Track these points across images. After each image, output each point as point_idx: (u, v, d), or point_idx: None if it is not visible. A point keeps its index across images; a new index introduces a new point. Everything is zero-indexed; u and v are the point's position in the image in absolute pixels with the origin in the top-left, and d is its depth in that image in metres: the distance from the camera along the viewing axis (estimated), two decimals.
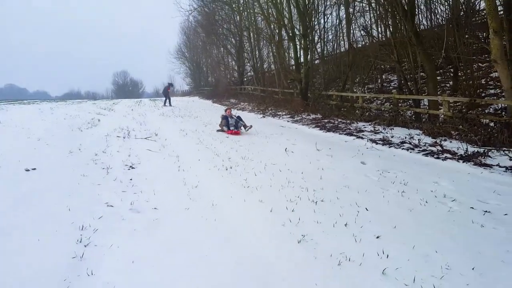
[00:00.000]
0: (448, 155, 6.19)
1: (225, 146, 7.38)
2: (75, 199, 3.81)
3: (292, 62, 21.60)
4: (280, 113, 14.01)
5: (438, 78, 13.43)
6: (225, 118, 9.34)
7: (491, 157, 5.83)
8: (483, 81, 12.62)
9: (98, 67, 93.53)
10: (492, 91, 11.90)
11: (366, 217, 3.52)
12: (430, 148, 6.82)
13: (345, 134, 8.78)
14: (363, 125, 9.73)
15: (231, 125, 9.21)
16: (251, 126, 9.32)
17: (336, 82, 18.02)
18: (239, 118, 9.41)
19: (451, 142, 7.06)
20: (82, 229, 3.12)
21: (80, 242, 2.91)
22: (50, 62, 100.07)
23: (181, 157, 6.16)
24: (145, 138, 8.14)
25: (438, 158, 6.14)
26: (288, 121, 11.88)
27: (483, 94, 11.52)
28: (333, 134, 8.99)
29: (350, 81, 14.94)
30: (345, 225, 3.31)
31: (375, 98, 14.12)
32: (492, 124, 7.77)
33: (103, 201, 3.80)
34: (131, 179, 4.69)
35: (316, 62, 20.34)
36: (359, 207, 3.78)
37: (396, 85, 17.22)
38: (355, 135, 8.53)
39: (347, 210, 3.69)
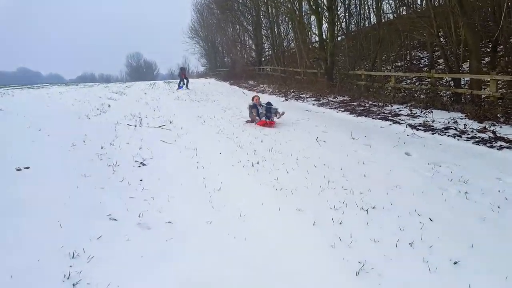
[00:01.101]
0: (504, 144, 5.29)
1: (248, 135, 6.67)
2: (70, 210, 3.15)
3: (314, 39, 20.44)
4: (304, 95, 13.11)
5: None
6: (254, 107, 7.90)
7: None
8: None
9: (111, 48, 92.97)
10: None
11: (433, 230, 2.78)
12: (479, 134, 5.91)
13: (379, 119, 7.91)
14: (398, 108, 8.80)
15: (261, 115, 7.76)
16: (283, 113, 7.82)
17: (361, 60, 16.85)
18: (269, 104, 7.99)
19: (501, 127, 6.12)
20: (73, 257, 2.45)
21: (68, 278, 2.23)
22: (63, 44, 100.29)
23: (200, 150, 5.50)
24: (159, 127, 7.51)
25: (492, 147, 5.25)
26: (313, 105, 11.02)
27: None
28: (366, 119, 8.12)
29: (378, 59, 13.80)
30: (410, 244, 2.58)
31: (404, 78, 12.99)
32: None
33: (105, 212, 3.16)
34: (141, 180, 4.05)
35: (338, 39, 19.09)
36: (420, 216, 3.04)
37: (426, 63, 15.93)
38: (391, 120, 7.65)
39: (407, 220, 2.95)
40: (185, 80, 20.23)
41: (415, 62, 16.78)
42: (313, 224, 2.88)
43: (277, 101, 12.60)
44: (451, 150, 5.22)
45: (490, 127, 6.13)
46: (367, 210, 3.13)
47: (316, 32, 15.32)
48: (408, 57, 16.76)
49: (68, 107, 10.76)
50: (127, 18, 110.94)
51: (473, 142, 5.57)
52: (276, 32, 22.75)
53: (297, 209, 3.18)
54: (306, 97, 12.64)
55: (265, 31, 24.48)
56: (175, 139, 6.39)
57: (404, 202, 3.33)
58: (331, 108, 9.99)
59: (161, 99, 14.14)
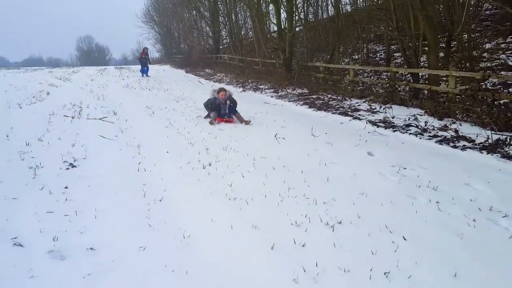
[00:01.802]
0: (466, 144, 5.19)
1: (201, 130, 6.05)
2: None
3: (272, 28, 19.96)
4: (262, 86, 12.63)
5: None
6: (217, 107, 6.69)
7: None
8: (474, 53, 11.70)
9: (61, 31, 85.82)
10: (484, 65, 11.03)
11: (409, 254, 2.40)
12: (441, 133, 5.80)
13: (338, 114, 7.64)
14: (357, 103, 8.62)
15: (221, 116, 6.71)
16: (249, 122, 6.62)
17: (319, 52, 16.67)
18: (233, 109, 6.77)
19: (461, 125, 6.08)
20: None
21: None
22: (8, 24, 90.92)
23: (144, 148, 4.81)
24: (100, 119, 6.64)
25: (455, 147, 5.13)
26: (272, 97, 10.56)
27: (476, 68, 10.60)
28: (325, 114, 7.82)
29: (336, 51, 13.66)
30: (386, 275, 2.18)
31: (361, 71, 12.95)
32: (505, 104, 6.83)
33: (11, 235, 2.44)
34: (66, 188, 3.32)
35: (296, 29, 18.76)
36: (392, 233, 2.67)
37: (383, 56, 16.13)
38: (350, 115, 7.40)
39: (379, 240, 2.57)
40: (147, 66, 18.17)
41: (371, 55, 16.95)
42: (272, 248, 2.39)
43: (235, 92, 11.98)
44: (414, 150, 5.01)
45: (450, 125, 6.05)
46: (333, 226, 2.71)
47: (275, 22, 14.85)
48: (364, 50, 16.89)
49: (0, 94, 9.40)
50: (79, 1, 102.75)
51: (436, 141, 5.42)
52: (234, 19, 21.94)
53: (253, 225, 2.68)
54: (265, 88, 12.18)
55: (222, 18, 23.55)
56: (117, 134, 5.62)
57: (373, 214, 2.95)
58: (290, 101, 9.61)
59: (109, 87, 12.99)
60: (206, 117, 7.01)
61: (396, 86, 8.74)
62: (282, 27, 13.70)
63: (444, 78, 9.25)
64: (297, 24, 16.01)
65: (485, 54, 11.72)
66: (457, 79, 7.39)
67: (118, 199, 3.12)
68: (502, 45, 12.15)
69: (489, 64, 11.08)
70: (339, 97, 9.24)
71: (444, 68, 9.03)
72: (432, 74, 8.26)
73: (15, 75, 18.60)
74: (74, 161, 4.14)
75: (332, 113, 7.75)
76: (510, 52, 11.40)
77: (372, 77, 12.03)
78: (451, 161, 4.52)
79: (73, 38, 79.71)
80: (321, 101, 9.08)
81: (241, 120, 6.64)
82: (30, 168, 3.81)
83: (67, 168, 3.89)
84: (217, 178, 3.76)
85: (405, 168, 4.20)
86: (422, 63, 10.40)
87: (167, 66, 29.67)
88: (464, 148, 5.00)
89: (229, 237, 2.53)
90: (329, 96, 9.66)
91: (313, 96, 9.73)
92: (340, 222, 2.78)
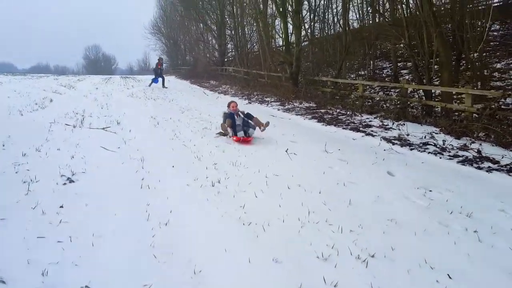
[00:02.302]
0: (491, 165, 4.85)
1: (207, 143, 5.73)
2: None
3: (278, 43, 19.87)
4: (268, 99, 12.37)
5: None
6: (230, 116, 6.07)
7: None
8: (485, 72, 11.47)
9: (69, 40, 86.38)
10: (497, 83, 10.77)
11: None
12: (461, 153, 5.47)
13: (350, 129, 7.32)
14: (367, 118, 8.31)
15: (238, 128, 5.95)
16: (268, 124, 6.12)
17: (326, 67, 16.50)
18: (248, 115, 6.21)
19: (481, 145, 5.75)
20: None
21: None
22: (18, 31, 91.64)
23: (148, 161, 4.49)
24: (103, 129, 6.34)
25: (479, 168, 4.78)
26: (278, 110, 10.28)
27: (487, 87, 10.34)
28: (336, 129, 7.51)
29: (343, 66, 13.45)
30: None
31: (368, 87, 12.68)
32: None
33: None
34: (61, 207, 2.97)
35: (302, 44, 18.65)
36: (433, 269, 2.32)
37: (389, 73, 15.94)
38: (362, 131, 7.09)
39: (421, 279, 2.22)
40: (162, 76, 17.59)
41: (377, 71, 16.76)
42: None
43: (240, 104, 11.75)
44: (436, 171, 4.67)
45: (470, 144, 5.73)
46: (365, 260, 2.36)
47: (281, 35, 14.73)
48: (371, 66, 16.71)
49: (2, 100, 9.14)
50: (88, 11, 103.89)
51: (458, 162, 5.08)
52: (241, 33, 21.90)
53: (273, 259, 2.33)
54: (271, 101, 11.91)
55: (229, 31, 23.54)
56: (120, 145, 5.29)
57: (407, 246, 2.60)
58: (298, 115, 9.32)
59: (113, 96, 12.75)
60: (218, 134, 6.40)
61: (408, 102, 8.44)
62: (289, 41, 13.53)
63: (455, 96, 8.99)
64: (304, 39, 15.90)
65: (495, 74, 11.51)
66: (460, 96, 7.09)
67: (118, 222, 2.78)
68: None
69: (500, 83, 10.84)
70: (348, 112, 8.95)
71: (455, 86, 8.77)
72: (446, 92, 7.97)
73: (20, 81, 18.42)
74: (72, 175, 3.81)
75: (343, 128, 7.44)
76: None
77: (381, 93, 11.78)
78: (479, 184, 4.17)
79: (80, 47, 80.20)
80: (330, 116, 8.78)
81: (259, 124, 6.07)
82: (24, 182, 3.47)
83: (64, 183, 3.55)
84: (227, 198, 3.42)
85: (430, 191, 3.86)
86: (434, 80, 10.17)
87: (172, 77, 29.57)
88: (489, 170, 4.66)
89: (247, 273, 2.17)
90: (337, 111, 9.36)
91: (321, 110, 9.44)
92: (373, 256, 2.43)
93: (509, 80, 10.85)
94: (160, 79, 17.48)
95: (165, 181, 3.82)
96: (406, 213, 3.22)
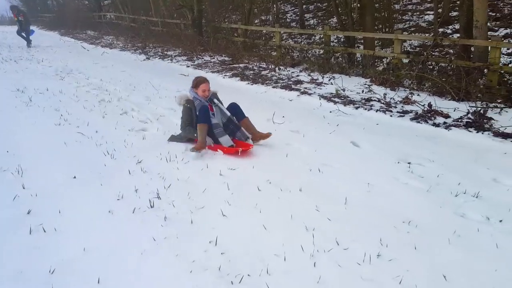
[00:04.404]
0: (445, 120, 4.54)
1: (115, 125, 4.19)
2: None
3: None
4: (171, 52, 10.53)
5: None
6: (202, 112, 3.43)
7: (494, 119, 4.45)
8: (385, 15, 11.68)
9: None
10: (397, 26, 11.09)
11: None
12: (408, 107, 5.08)
13: (281, 88, 6.44)
14: (293, 72, 7.55)
15: (217, 130, 3.47)
16: (270, 135, 3.61)
17: (231, 11, 14.94)
18: (234, 108, 3.71)
19: (419, 95, 5.53)
20: None
21: None
22: None
23: (30, 173, 2.87)
24: None
25: (436, 125, 4.40)
26: (188, 66, 8.72)
27: (391, 30, 10.52)
28: (265, 88, 6.54)
29: (252, 11, 12.18)
30: None
31: (272, 34, 11.77)
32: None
33: None
34: None
35: None
36: None
37: (294, 18, 15.33)
38: (295, 89, 6.29)
39: None
40: (27, 29, 13.06)
41: (281, 16, 15.98)
42: None
43: (136, 61, 9.78)
44: (397, 134, 4.16)
45: (412, 96, 5.42)
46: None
47: None
48: (273, 10, 15.81)
49: None
50: None
51: (411, 119, 4.66)
52: None
53: None
54: (174, 55, 10.16)
55: None
56: None
57: (458, 268, 1.91)
58: (213, 71, 8.00)
59: None
60: (179, 137, 3.73)
61: (333, 52, 7.89)
62: None
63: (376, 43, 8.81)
64: None
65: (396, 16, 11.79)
66: (377, 43, 6.83)
67: None
68: (409, 7, 12.44)
69: (401, 26, 11.18)
70: (270, 66, 8.02)
71: (359, 30, 8.53)
72: (369, 38, 7.61)
73: None
74: None
75: (273, 87, 6.50)
76: (418, 13, 11.68)
77: (302, 42, 11.13)
78: (450, 147, 3.78)
79: None
80: (251, 72, 7.72)
81: (255, 133, 3.62)
82: None
83: None
84: (184, 226, 2.23)
85: (409, 163, 3.31)
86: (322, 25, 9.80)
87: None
88: (447, 127, 4.34)
89: None
90: (256, 64, 8.35)
91: (240, 65, 8.29)
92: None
93: (409, 22, 11.26)
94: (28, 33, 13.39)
95: (68, 209, 2.38)
96: (414, 207, 2.55)
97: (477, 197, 2.71)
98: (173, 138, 3.75)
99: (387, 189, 2.82)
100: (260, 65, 8.21)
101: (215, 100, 3.66)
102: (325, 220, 2.34)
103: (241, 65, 8.30)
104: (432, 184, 2.90)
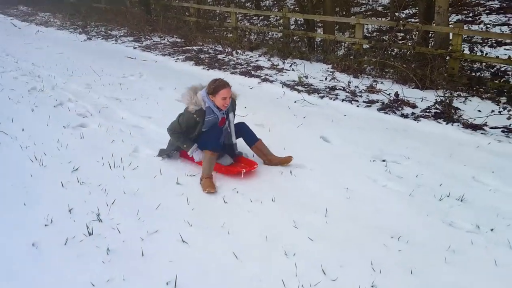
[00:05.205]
0: (413, 111, 4.37)
1: (47, 120, 3.50)
2: None
3: None
4: (115, 32, 9.49)
5: None
6: (211, 126, 2.72)
7: (460, 109, 4.37)
8: None
9: None
10: (357, 9, 11.00)
11: None
12: (374, 97, 4.87)
13: (240, 74, 5.96)
14: (251, 57, 7.07)
15: (219, 146, 2.72)
16: (291, 159, 2.93)
17: None
18: (242, 129, 2.95)
19: (382, 83, 5.36)
20: None
21: None
22: None
23: None
24: None
25: (404, 116, 4.21)
26: (135, 48, 7.86)
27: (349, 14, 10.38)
28: (223, 74, 6.01)
29: None
30: None
31: (227, 14, 11.12)
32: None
33: None
34: None
35: None
36: None
37: None
38: (256, 76, 5.85)
39: None
40: None
41: None
42: None
43: (76, 41, 8.72)
44: (366, 127, 3.91)
45: (376, 84, 5.22)
46: None
47: None
48: None
49: None
50: None
51: (378, 110, 4.45)
52: None
53: None
54: (120, 36, 9.17)
55: None
56: None
57: (438, 280, 1.67)
58: (164, 54, 7.27)
59: None
60: (163, 153, 2.96)
61: (292, 35, 7.50)
62: None
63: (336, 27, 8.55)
64: None
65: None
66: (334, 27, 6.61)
67: None
68: None
69: (357, 10, 11.08)
70: (227, 49, 7.46)
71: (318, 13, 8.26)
72: (328, 22, 7.32)
73: None
74: None
75: (231, 73, 6.00)
76: None
77: (259, 24, 10.60)
78: (423, 141, 3.57)
79: None
80: (207, 55, 7.12)
81: (271, 159, 2.94)
82: None
83: None
84: (130, 260, 1.76)
85: (384, 161, 3.08)
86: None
87: None
88: (416, 118, 4.17)
89: None
90: (213, 47, 7.75)
91: (193, 48, 7.63)
92: None
93: (365, 6, 11.19)
94: None
95: None
96: (401, 217, 2.29)
97: (461, 200, 2.51)
98: (163, 152, 2.95)
99: (367, 195, 2.55)
100: (216, 48, 7.62)
101: (231, 116, 2.85)
102: (306, 240, 1.99)
103: (194, 47, 7.65)
104: (413, 186, 2.67)
